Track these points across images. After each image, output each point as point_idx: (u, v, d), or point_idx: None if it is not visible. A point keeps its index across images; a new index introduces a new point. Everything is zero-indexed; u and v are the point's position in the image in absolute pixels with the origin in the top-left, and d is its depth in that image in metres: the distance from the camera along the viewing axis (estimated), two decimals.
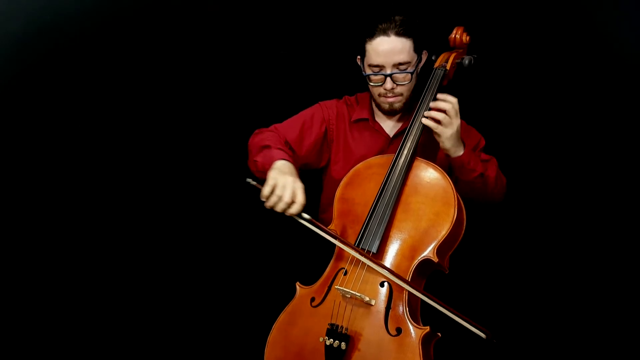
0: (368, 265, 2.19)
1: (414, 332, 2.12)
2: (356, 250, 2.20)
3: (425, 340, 2.12)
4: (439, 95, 2.30)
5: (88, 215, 3.02)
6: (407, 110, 2.51)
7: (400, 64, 2.37)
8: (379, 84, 2.41)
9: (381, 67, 2.38)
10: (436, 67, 2.41)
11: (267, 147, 2.36)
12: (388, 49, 2.35)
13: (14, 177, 2.88)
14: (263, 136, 2.44)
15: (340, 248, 2.28)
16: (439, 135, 2.27)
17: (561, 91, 2.92)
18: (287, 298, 2.31)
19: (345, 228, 2.30)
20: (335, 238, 2.23)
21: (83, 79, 2.92)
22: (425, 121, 2.27)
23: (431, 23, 2.48)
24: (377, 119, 2.56)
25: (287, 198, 2.14)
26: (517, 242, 3.03)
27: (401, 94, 2.44)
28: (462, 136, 2.36)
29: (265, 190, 2.15)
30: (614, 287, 2.90)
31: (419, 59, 2.44)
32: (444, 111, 2.26)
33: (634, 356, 2.83)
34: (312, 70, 3.02)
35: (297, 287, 2.32)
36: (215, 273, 3.17)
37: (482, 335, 2.14)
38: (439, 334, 2.18)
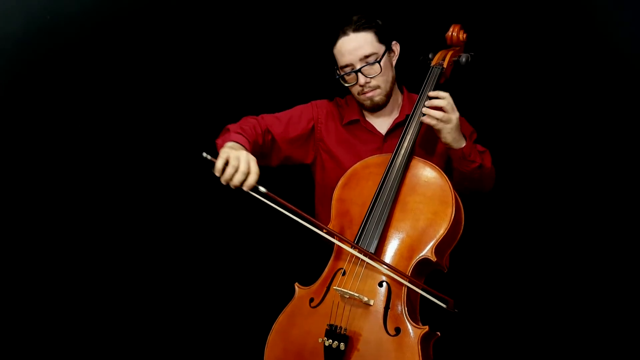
0: (367, 264, 2.19)
1: (413, 331, 2.12)
2: (326, 231, 2.21)
3: (424, 340, 2.12)
4: (431, 93, 2.31)
5: (87, 215, 3.03)
6: (395, 105, 2.54)
7: (365, 56, 2.40)
8: (353, 82, 2.45)
9: (350, 65, 2.41)
10: (433, 65, 2.41)
11: (228, 130, 2.37)
12: (350, 47, 2.40)
13: (14, 177, 2.89)
14: (239, 122, 2.45)
15: (339, 247, 2.28)
16: (440, 131, 2.28)
17: (558, 89, 2.91)
18: (286, 299, 2.31)
19: (343, 228, 2.30)
20: (301, 217, 2.18)
21: (83, 78, 2.92)
22: (425, 119, 2.28)
23: (393, 14, 2.52)
24: (367, 118, 2.57)
25: (243, 168, 2.11)
26: (516, 241, 3.03)
27: (378, 87, 2.45)
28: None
29: (219, 163, 2.12)
30: (612, 284, 2.90)
31: (388, 49, 2.45)
32: (440, 108, 2.26)
33: (634, 356, 2.83)
34: (309, 71, 3.01)
35: (296, 287, 2.32)
36: (214, 274, 3.18)
37: (443, 305, 2.16)
38: (438, 333, 2.18)
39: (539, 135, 2.96)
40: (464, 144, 2.32)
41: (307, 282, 2.32)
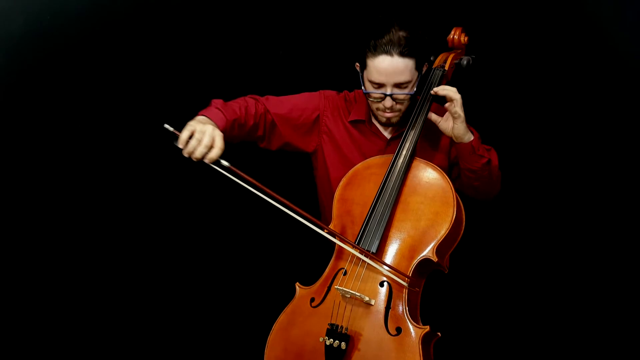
0: (368, 263, 2.19)
1: (414, 331, 2.12)
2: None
3: (425, 340, 2.12)
4: (437, 88, 2.31)
5: (88, 215, 3.02)
6: (403, 119, 2.48)
7: (401, 83, 2.33)
8: (378, 100, 2.39)
9: (381, 85, 2.34)
10: (434, 68, 2.42)
11: (209, 104, 2.35)
12: (390, 69, 2.30)
13: (14, 176, 2.88)
14: (234, 100, 2.42)
15: (340, 247, 2.28)
16: (456, 118, 2.28)
17: (560, 91, 2.92)
18: (286, 298, 2.32)
19: (344, 228, 2.31)
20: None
21: (83, 78, 2.92)
22: (441, 91, 2.28)
23: (433, 37, 2.44)
24: (374, 120, 2.54)
25: (206, 141, 2.10)
26: (517, 242, 3.04)
27: (399, 110, 2.42)
28: None
29: (184, 134, 2.12)
30: (612, 286, 2.91)
31: (420, 75, 2.39)
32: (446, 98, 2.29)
33: (634, 356, 2.84)
34: (310, 70, 3.02)
35: (297, 287, 2.32)
36: (215, 273, 3.17)
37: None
38: (439, 333, 2.18)
39: (540, 137, 2.97)
40: (472, 138, 2.33)
41: (308, 281, 2.33)
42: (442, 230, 2.19)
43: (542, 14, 2.87)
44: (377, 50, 2.29)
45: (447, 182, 2.25)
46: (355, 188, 2.34)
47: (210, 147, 2.11)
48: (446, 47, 2.48)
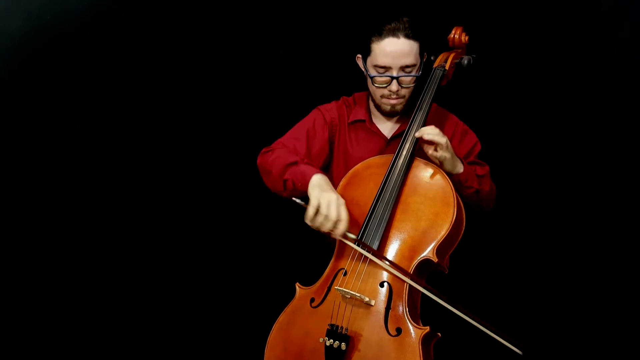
0: (369, 262, 2.19)
1: (414, 332, 2.12)
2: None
3: (425, 341, 2.12)
4: (417, 134, 2.26)
5: (88, 215, 3.02)
6: (405, 113, 2.50)
7: (407, 66, 2.34)
8: (384, 85, 2.39)
9: (387, 68, 2.35)
10: (435, 67, 2.41)
11: (294, 163, 2.31)
12: (397, 51, 2.32)
13: (14, 176, 2.88)
14: (279, 153, 2.38)
15: (340, 247, 2.28)
16: (442, 160, 2.26)
17: (560, 91, 2.92)
18: (287, 299, 2.31)
19: None
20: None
21: (83, 78, 2.93)
22: (428, 136, 2.23)
23: (432, 24, 2.46)
24: (374, 120, 2.54)
25: (333, 217, 2.11)
26: (517, 242, 3.03)
27: (404, 97, 2.42)
28: (457, 139, 2.40)
29: (310, 212, 2.12)
30: (613, 286, 2.91)
31: (422, 61, 2.41)
32: (432, 142, 2.24)
33: (634, 356, 2.83)
34: (310, 70, 3.02)
35: (297, 287, 2.32)
36: (215, 274, 3.17)
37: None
38: (439, 334, 2.18)
39: (540, 137, 2.97)
40: (461, 170, 2.31)
41: (308, 282, 2.32)
42: (443, 231, 2.19)
43: (543, 14, 2.87)
44: (382, 34, 2.32)
45: (448, 183, 2.25)
46: (355, 188, 2.33)
47: (338, 221, 2.12)
48: (447, 47, 2.48)
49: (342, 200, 2.15)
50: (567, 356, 2.95)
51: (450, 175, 2.29)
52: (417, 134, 2.26)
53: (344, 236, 2.16)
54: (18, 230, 2.92)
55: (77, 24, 2.89)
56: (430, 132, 2.23)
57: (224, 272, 3.17)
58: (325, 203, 2.12)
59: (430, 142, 2.24)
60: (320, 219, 2.12)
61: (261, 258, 3.13)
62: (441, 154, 2.25)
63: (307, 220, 2.14)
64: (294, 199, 2.16)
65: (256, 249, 3.14)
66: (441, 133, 2.25)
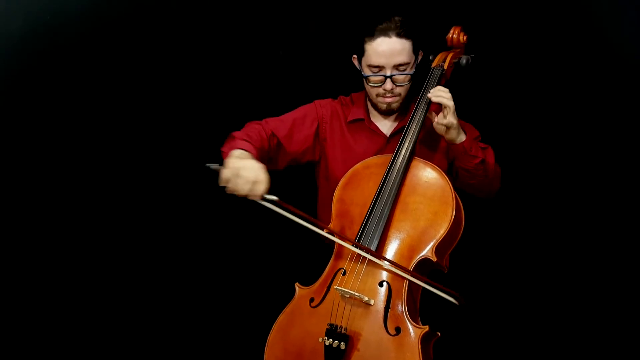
0: (367, 262, 2.19)
1: (413, 331, 2.12)
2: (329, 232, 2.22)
3: (425, 340, 2.13)
4: (429, 94, 2.33)
5: (88, 216, 3.02)
6: (403, 110, 2.52)
7: (400, 65, 2.36)
8: (378, 84, 2.41)
9: (381, 67, 2.37)
10: (434, 67, 2.42)
11: (233, 138, 2.33)
12: (389, 50, 2.34)
13: (13, 176, 2.88)
14: (244, 129, 2.42)
15: (339, 247, 2.28)
16: (450, 125, 2.29)
17: (559, 90, 2.92)
18: (286, 298, 2.32)
19: (343, 228, 2.31)
20: (311, 223, 2.18)
21: (83, 78, 2.92)
22: (435, 99, 2.30)
23: (428, 23, 2.49)
24: (372, 119, 2.55)
25: (250, 177, 2.07)
26: (516, 242, 3.04)
27: (399, 94, 2.43)
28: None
29: (226, 173, 2.09)
30: (612, 285, 2.91)
31: (417, 59, 2.43)
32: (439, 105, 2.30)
33: (634, 356, 2.83)
34: (309, 70, 3.02)
35: (296, 287, 2.33)
36: (214, 274, 3.17)
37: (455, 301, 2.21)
38: (439, 333, 2.19)
39: (539, 136, 2.97)
40: (464, 139, 2.34)
41: (307, 282, 2.33)
42: (442, 230, 2.20)
43: (542, 13, 2.86)
44: (374, 34, 2.35)
45: (446, 182, 2.26)
46: (354, 188, 2.34)
47: (255, 182, 2.09)
48: (445, 46, 2.48)
49: (261, 165, 2.12)
50: (567, 356, 2.95)
51: (455, 144, 2.33)
52: (430, 94, 2.32)
53: (263, 198, 2.10)
54: (18, 230, 2.91)
55: (77, 24, 2.88)
56: (439, 93, 2.29)
57: (223, 272, 3.17)
58: (242, 165, 2.10)
59: (439, 106, 2.29)
60: (237, 180, 2.08)
61: (261, 258, 3.13)
62: (449, 119, 2.28)
63: (223, 183, 2.10)
64: (207, 164, 2.11)
65: (256, 249, 3.15)
66: (450, 97, 2.29)
